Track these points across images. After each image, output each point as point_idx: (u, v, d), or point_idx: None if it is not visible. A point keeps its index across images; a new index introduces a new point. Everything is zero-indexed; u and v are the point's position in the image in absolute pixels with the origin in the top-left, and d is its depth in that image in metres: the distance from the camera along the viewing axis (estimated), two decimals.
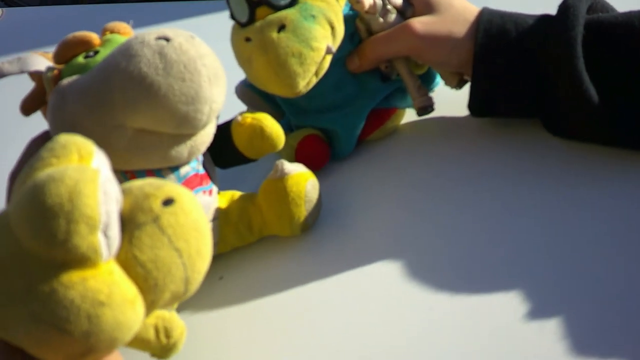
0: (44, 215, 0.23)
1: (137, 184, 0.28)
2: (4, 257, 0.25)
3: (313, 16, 0.41)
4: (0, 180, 0.37)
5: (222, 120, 0.41)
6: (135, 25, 0.41)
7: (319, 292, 0.39)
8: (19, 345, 0.25)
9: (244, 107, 0.52)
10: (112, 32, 0.39)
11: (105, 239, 0.24)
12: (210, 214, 0.40)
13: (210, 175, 0.41)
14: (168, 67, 0.33)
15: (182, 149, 0.36)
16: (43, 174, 0.25)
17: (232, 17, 0.44)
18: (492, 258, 0.37)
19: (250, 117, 0.41)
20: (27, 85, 0.39)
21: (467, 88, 0.47)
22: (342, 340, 0.35)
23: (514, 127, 0.47)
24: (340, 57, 0.47)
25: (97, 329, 0.24)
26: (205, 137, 0.37)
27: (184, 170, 0.38)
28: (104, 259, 0.25)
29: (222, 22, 0.46)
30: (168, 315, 0.33)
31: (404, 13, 0.47)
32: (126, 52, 0.33)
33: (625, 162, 0.41)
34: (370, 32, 0.48)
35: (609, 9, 0.44)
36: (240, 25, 0.43)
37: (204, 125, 0.36)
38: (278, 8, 0.42)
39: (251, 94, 0.51)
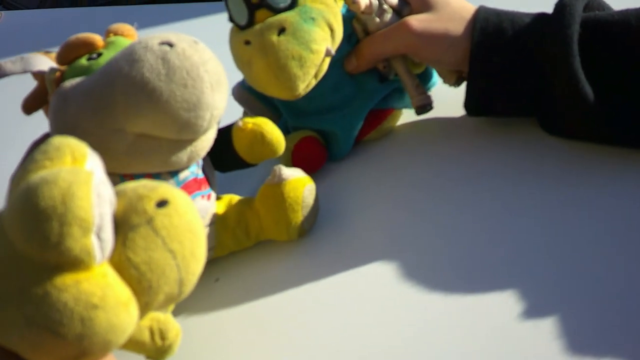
0: (37, 218, 0.23)
1: (131, 185, 0.28)
2: None
3: (313, 19, 0.41)
4: (1, 180, 0.37)
5: (222, 124, 0.41)
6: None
7: (316, 293, 0.39)
8: (13, 349, 0.25)
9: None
10: (115, 34, 0.39)
11: (98, 242, 0.24)
12: (208, 219, 0.40)
13: (209, 179, 0.41)
14: (171, 72, 0.33)
15: (182, 154, 0.36)
16: (36, 176, 0.25)
17: (231, 19, 0.44)
18: (491, 258, 0.37)
19: (251, 123, 0.41)
20: (29, 85, 0.39)
21: (463, 87, 0.47)
22: (339, 342, 0.35)
23: (512, 127, 0.47)
24: (339, 59, 0.47)
25: (90, 332, 0.24)
26: (205, 142, 0.37)
27: (183, 174, 0.38)
28: (97, 261, 0.25)
29: (222, 24, 0.46)
30: (163, 317, 0.33)
31: (400, 12, 0.47)
32: (129, 57, 0.33)
33: (624, 162, 0.41)
34: (367, 33, 0.48)
35: (605, 7, 0.44)
36: (239, 27, 0.43)
37: (205, 131, 0.36)
38: (277, 11, 0.42)
39: (248, 95, 0.51)
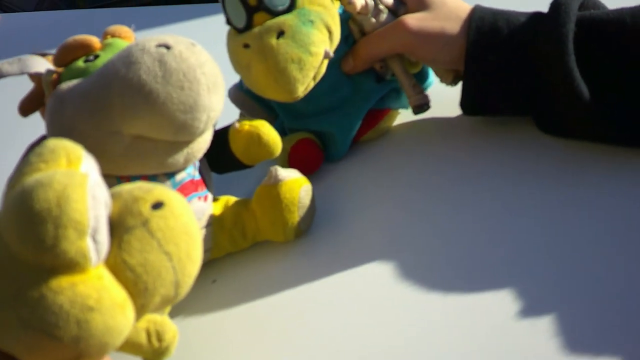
0: (32, 221, 0.23)
1: (126, 187, 0.28)
2: None
3: (311, 21, 0.41)
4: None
5: (219, 126, 0.41)
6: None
7: (313, 293, 0.38)
8: (9, 352, 0.25)
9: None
10: (113, 36, 0.39)
11: (94, 244, 0.24)
12: (204, 220, 0.40)
13: (205, 181, 0.41)
14: (167, 75, 0.33)
15: (179, 156, 0.36)
16: (31, 179, 0.25)
17: (228, 22, 0.44)
18: (490, 257, 0.37)
19: (247, 124, 0.41)
20: (26, 86, 0.39)
21: (459, 87, 0.47)
22: (337, 343, 0.35)
23: (508, 126, 0.47)
24: (336, 60, 0.47)
25: (86, 334, 0.24)
26: (202, 144, 0.37)
27: (180, 176, 0.38)
28: (93, 263, 0.25)
29: (219, 26, 0.46)
30: (160, 319, 0.32)
31: (395, 12, 0.48)
32: (126, 59, 0.33)
33: (624, 161, 0.41)
34: (363, 33, 0.48)
35: (600, 6, 0.44)
36: (237, 31, 0.43)
37: (201, 133, 0.36)
38: (276, 14, 0.42)
39: (244, 97, 0.51)
